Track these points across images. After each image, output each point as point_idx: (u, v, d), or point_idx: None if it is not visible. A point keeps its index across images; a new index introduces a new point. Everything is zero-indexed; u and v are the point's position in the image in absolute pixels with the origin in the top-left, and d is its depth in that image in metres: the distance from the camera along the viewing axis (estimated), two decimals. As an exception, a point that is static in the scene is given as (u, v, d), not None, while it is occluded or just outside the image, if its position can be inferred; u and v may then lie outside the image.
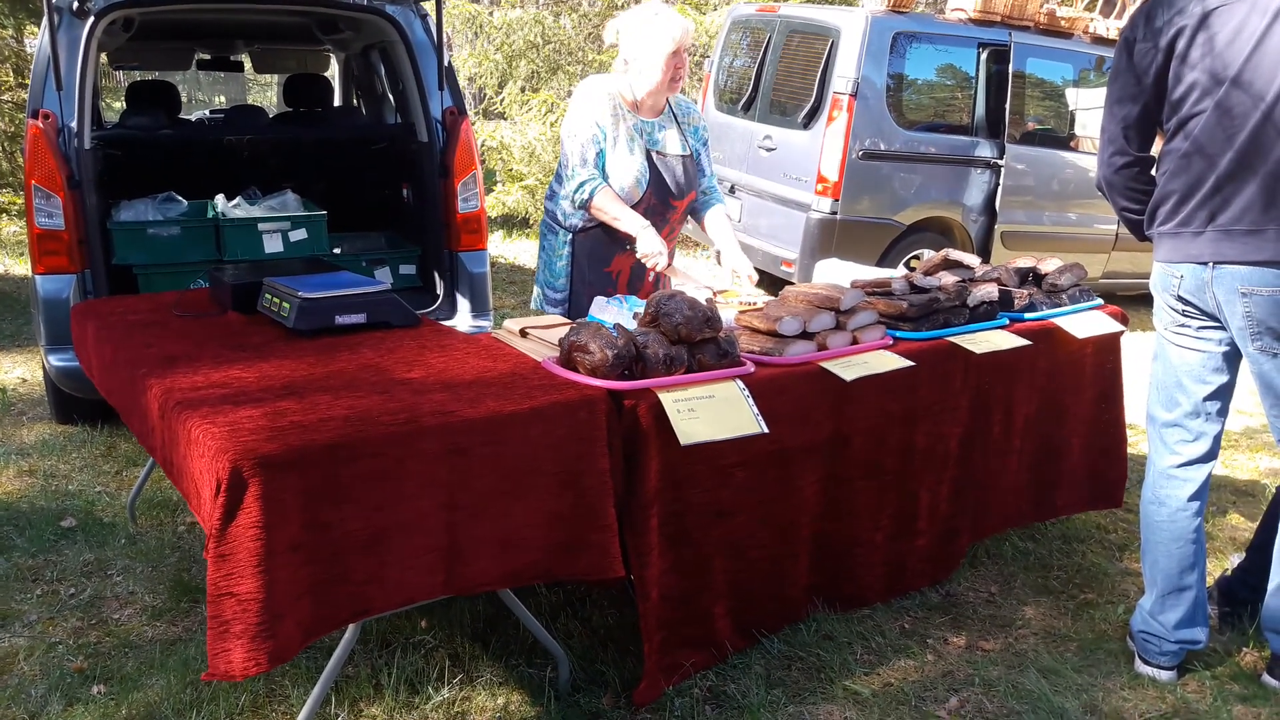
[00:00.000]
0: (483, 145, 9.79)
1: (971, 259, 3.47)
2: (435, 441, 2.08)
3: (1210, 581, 3.20)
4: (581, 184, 3.35)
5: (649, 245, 3.34)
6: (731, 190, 7.33)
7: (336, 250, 4.85)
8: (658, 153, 3.43)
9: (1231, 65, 2.47)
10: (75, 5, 4.04)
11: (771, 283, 7.78)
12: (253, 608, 1.85)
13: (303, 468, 1.93)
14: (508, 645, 2.80)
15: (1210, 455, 2.76)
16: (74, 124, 3.95)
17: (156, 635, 2.86)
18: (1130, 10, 7.79)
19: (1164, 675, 2.82)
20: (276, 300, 2.87)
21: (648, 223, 3.35)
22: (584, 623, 2.92)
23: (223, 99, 19.86)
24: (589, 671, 2.68)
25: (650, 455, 2.41)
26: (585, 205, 3.37)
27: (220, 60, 7.76)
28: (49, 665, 2.70)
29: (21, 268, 7.72)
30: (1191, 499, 2.76)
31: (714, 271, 8.00)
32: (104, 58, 6.46)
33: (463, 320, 4.58)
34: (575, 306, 3.55)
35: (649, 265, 3.35)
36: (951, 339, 3.05)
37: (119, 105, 13.36)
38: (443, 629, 2.86)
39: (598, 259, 3.52)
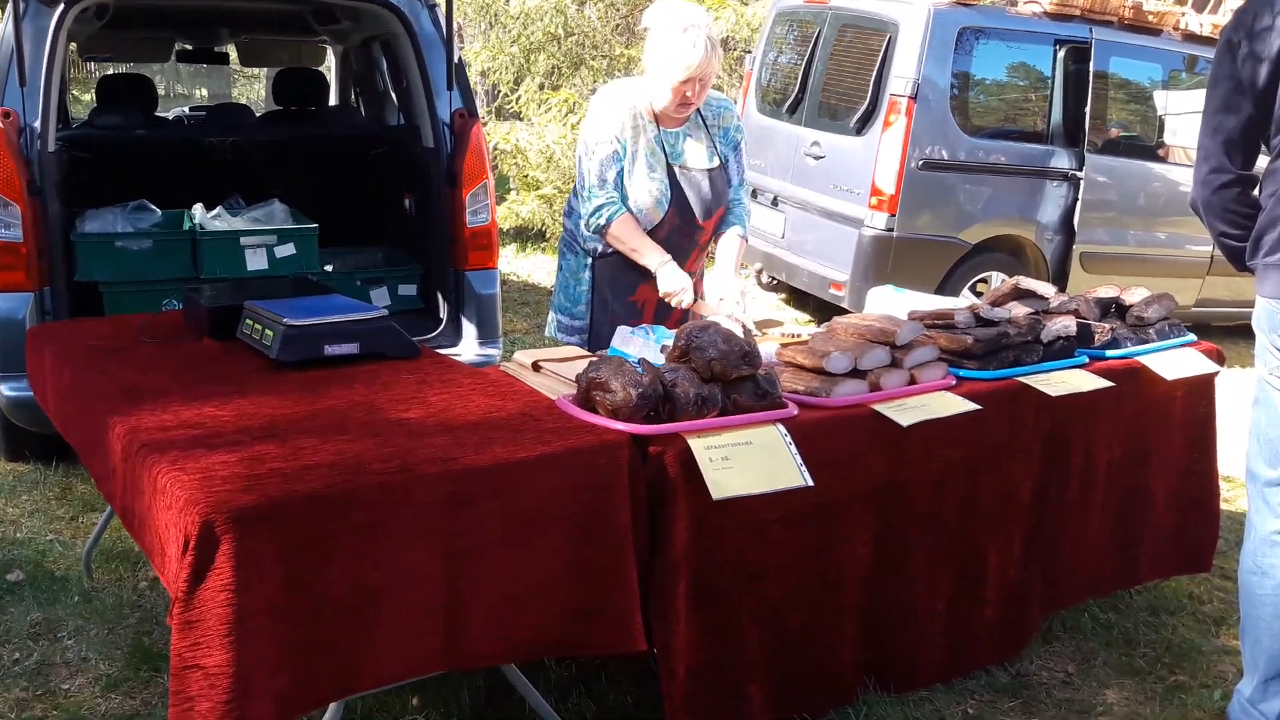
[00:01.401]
0: (495, 149, 9.84)
1: (1046, 288, 3.45)
2: (434, 492, 2.08)
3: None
4: (599, 208, 3.36)
5: (671, 283, 3.33)
6: (774, 203, 7.33)
7: (328, 268, 4.87)
8: (680, 167, 3.43)
9: None
10: (44, -10, 4.09)
11: (819, 308, 7.75)
12: (222, 683, 1.84)
13: (283, 522, 1.93)
14: (512, 725, 2.78)
15: (1323, 519, 2.71)
16: (37, 124, 3.99)
17: (111, 709, 2.85)
18: (1229, 4, 7.76)
19: (1267, 773, 2.75)
20: (258, 326, 2.87)
21: (668, 257, 3.34)
22: (599, 702, 2.89)
23: (204, 94, 20.09)
24: (604, 757, 2.65)
25: (678, 510, 2.40)
26: (601, 231, 3.38)
27: (203, 52, 7.84)
28: (-10, 739, 2.70)
29: (-21, 281, 7.80)
30: (1300, 569, 2.70)
31: (753, 293, 7.98)
32: (73, 47, 6.55)
33: (468, 347, 4.59)
34: (595, 337, 3.54)
35: (672, 304, 3.35)
36: (1023, 379, 3.02)
37: (88, 99, 13.52)
38: (437, 708, 2.83)
39: (621, 287, 3.52)
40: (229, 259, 4.42)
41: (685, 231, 3.47)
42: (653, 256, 3.35)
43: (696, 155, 3.47)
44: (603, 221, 3.36)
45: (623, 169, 3.37)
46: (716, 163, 3.50)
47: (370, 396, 2.56)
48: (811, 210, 7.02)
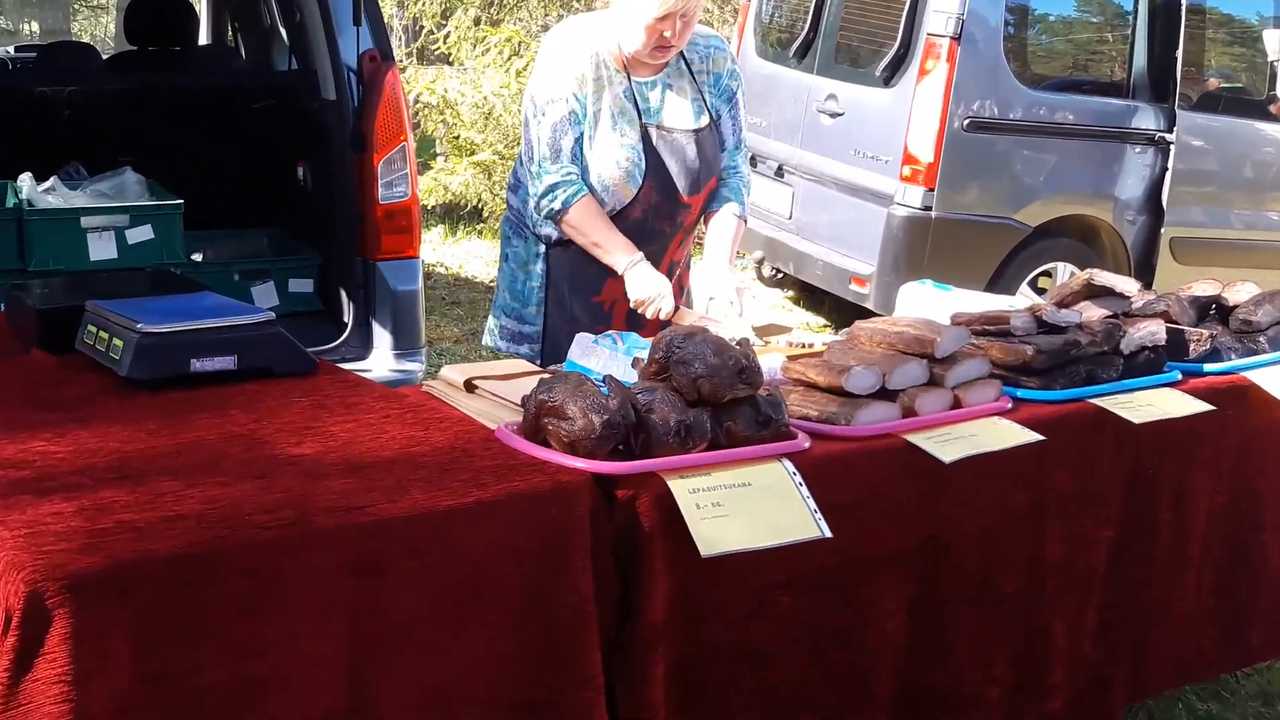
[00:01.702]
0: (417, 101, 9.83)
1: (1127, 284, 3.46)
2: (336, 552, 2.07)
3: None
4: (552, 188, 3.36)
5: (642, 288, 3.33)
6: (779, 173, 7.35)
7: (196, 257, 4.85)
8: (657, 127, 3.43)
9: None
10: None
11: (836, 309, 7.77)
12: (55, 804, 1.82)
13: (136, 592, 1.90)
14: None
15: None
16: None
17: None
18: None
19: None
20: (104, 335, 2.85)
21: (639, 255, 3.35)
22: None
23: (34, 30, 19.97)
24: None
25: (655, 572, 2.39)
26: (555, 218, 3.38)
27: (34, -25, 7.80)
28: None
29: None
30: None
31: (752, 291, 7.99)
32: None
33: (382, 362, 4.60)
34: (551, 347, 3.55)
35: (646, 314, 3.33)
36: (1098, 401, 3.04)
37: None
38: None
39: (583, 283, 3.51)
40: (66, 246, 4.40)
41: (665, 211, 3.47)
42: (620, 255, 3.35)
43: (679, 112, 3.47)
44: (557, 206, 3.36)
45: (582, 135, 3.37)
46: (705, 120, 3.51)
47: (252, 426, 2.54)
48: (826, 183, 7.04)
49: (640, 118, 3.41)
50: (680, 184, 3.46)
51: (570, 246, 3.48)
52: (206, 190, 5.13)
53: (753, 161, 7.36)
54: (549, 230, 3.50)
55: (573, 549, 2.28)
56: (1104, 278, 3.46)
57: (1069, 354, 3.05)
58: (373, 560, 2.09)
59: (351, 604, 2.07)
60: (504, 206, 3.76)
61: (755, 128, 7.46)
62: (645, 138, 3.41)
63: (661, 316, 3.35)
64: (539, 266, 3.56)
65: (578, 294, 3.52)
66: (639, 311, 3.38)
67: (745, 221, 3.61)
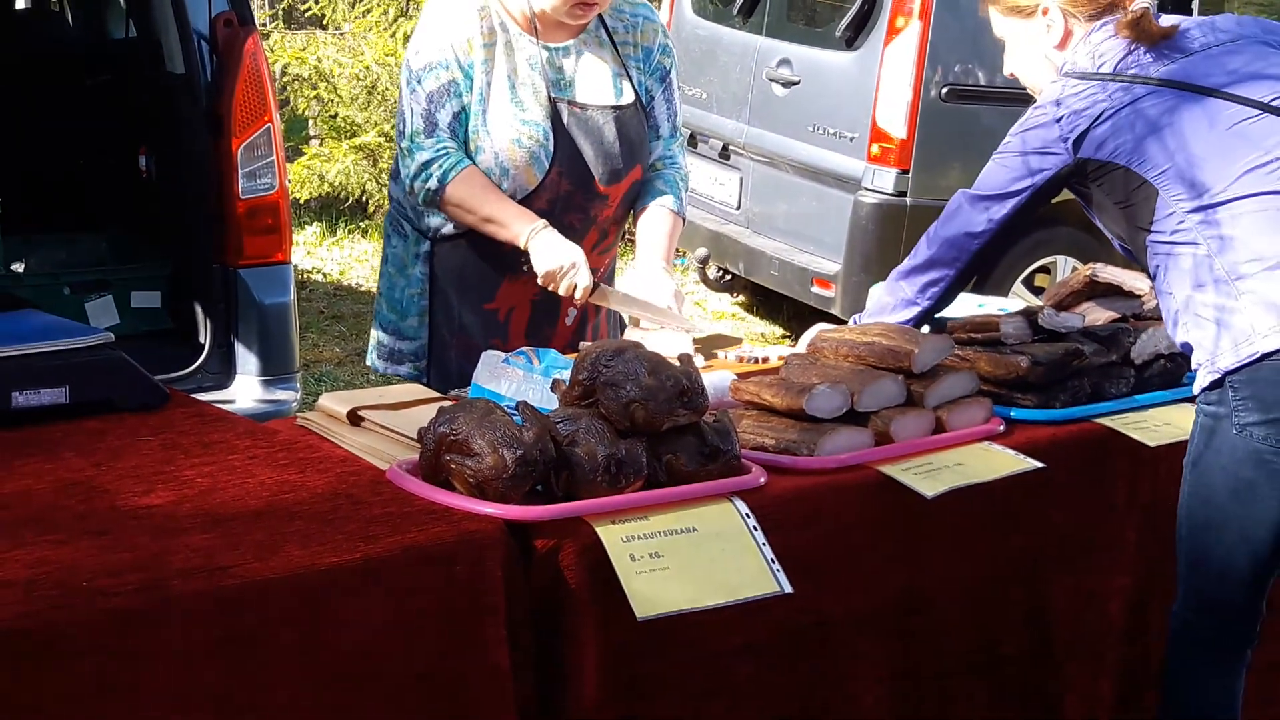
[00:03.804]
0: (284, 74, 9.79)
1: (1138, 279, 3.49)
2: (195, 624, 2.05)
3: None
4: (426, 165, 3.36)
5: (551, 257, 3.31)
6: (724, 155, 7.37)
7: (16, 267, 4.81)
8: (570, 103, 3.44)
9: None
10: None
11: (795, 316, 7.80)
12: None
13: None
14: None
15: None
16: None
17: None
18: None
19: None
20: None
21: (543, 221, 3.33)
22: None
23: None
24: None
25: (584, 640, 2.39)
26: (434, 200, 3.38)
27: None
28: None
29: None
30: None
31: (696, 296, 7.99)
32: None
33: (246, 390, 4.60)
34: (436, 369, 3.55)
35: (560, 290, 3.32)
36: (1107, 421, 3.06)
37: None
38: None
39: (474, 288, 3.52)
40: None
41: (577, 202, 3.49)
42: (520, 224, 3.33)
43: (595, 84, 3.47)
44: (433, 185, 3.35)
45: (466, 110, 3.37)
46: (630, 98, 3.52)
47: (89, 472, 2.51)
48: (781, 165, 7.06)
49: (549, 90, 3.41)
50: (596, 171, 3.45)
51: (460, 243, 3.49)
52: (28, 186, 5.09)
53: (692, 141, 7.40)
54: (436, 220, 3.49)
55: (483, 614, 2.28)
56: (1110, 273, 3.47)
57: (1071, 366, 3.08)
58: (240, 634, 2.07)
59: (215, 689, 2.06)
60: (387, 204, 3.75)
61: (694, 100, 7.49)
62: (554, 114, 3.40)
63: (576, 295, 3.33)
64: (419, 269, 3.54)
65: (467, 301, 3.52)
66: (548, 288, 3.35)
67: (683, 220, 3.61)
